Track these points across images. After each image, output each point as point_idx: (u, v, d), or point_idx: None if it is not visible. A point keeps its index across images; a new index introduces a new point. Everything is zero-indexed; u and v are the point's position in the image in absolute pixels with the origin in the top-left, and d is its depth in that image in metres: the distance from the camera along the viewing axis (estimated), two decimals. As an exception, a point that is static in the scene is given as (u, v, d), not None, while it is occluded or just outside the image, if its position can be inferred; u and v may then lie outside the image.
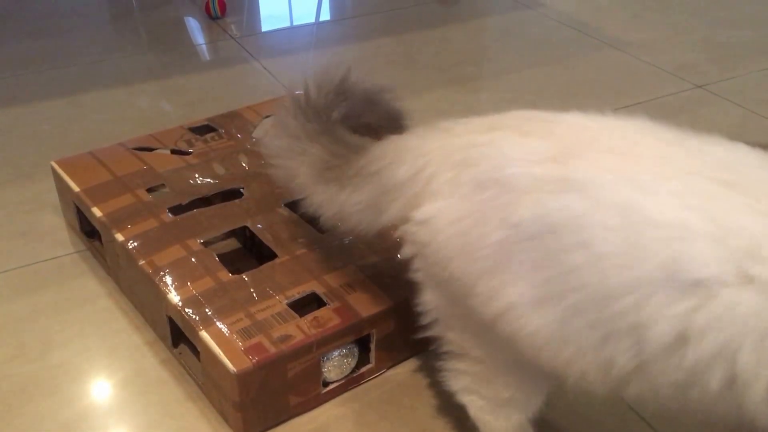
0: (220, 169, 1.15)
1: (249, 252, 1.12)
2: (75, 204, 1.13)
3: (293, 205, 1.08)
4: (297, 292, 0.92)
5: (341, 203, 0.81)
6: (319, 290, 0.93)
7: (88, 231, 1.16)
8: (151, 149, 1.20)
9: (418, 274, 0.75)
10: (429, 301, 0.75)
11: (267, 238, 1.01)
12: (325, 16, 2.12)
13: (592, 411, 0.89)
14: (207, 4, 2.02)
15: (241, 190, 1.11)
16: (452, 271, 0.67)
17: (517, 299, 0.63)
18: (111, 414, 0.91)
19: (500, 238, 0.64)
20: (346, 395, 0.93)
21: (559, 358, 0.63)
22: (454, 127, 0.75)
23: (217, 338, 0.85)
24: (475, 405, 0.79)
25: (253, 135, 1.24)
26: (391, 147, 0.78)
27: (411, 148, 0.75)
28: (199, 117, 1.31)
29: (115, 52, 1.85)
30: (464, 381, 0.78)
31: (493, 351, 0.73)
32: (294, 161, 0.87)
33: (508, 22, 2.03)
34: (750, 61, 1.78)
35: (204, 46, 1.91)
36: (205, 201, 1.10)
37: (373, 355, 0.94)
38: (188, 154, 1.19)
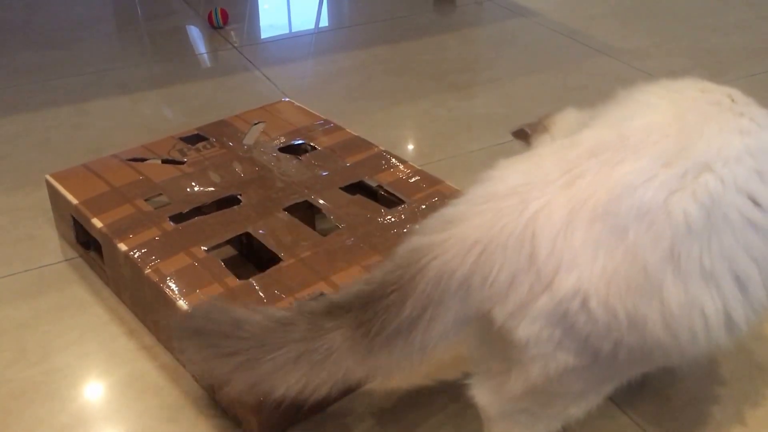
0: (215, 177, 1.13)
1: (246, 258, 1.09)
2: (72, 216, 1.10)
3: (292, 209, 1.05)
4: (306, 294, 0.89)
5: (420, 345, 0.65)
6: (327, 291, 0.90)
7: (84, 242, 1.13)
8: (144, 160, 1.18)
9: (547, 346, 0.64)
10: (565, 366, 0.65)
11: (270, 243, 0.98)
12: (324, 24, 2.10)
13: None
14: (210, 14, 1.99)
15: (239, 196, 1.08)
16: (620, 318, 0.62)
17: (696, 292, 0.63)
18: (109, 418, 0.88)
19: (661, 255, 0.62)
20: (356, 392, 0.90)
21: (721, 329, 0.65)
22: (511, 194, 0.65)
23: None
24: (513, 420, 0.73)
25: (244, 142, 1.22)
26: (458, 251, 0.63)
27: (495, 243, 0.63)
28: (201, 124, 1.28)
29: (119, 62, 1.82)
30: (515, 406, 0.72)
31: (616, 374, 0.70)
32: (325, 367, 0.67)
33: (502, 31, 2.01)
34: (738, 66, 1.76)
35: (206, 55, 1.89)
36: (197, 209, 1.07)
37: None
38: (182, 163, 1.16)
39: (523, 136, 0.99)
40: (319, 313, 0.67)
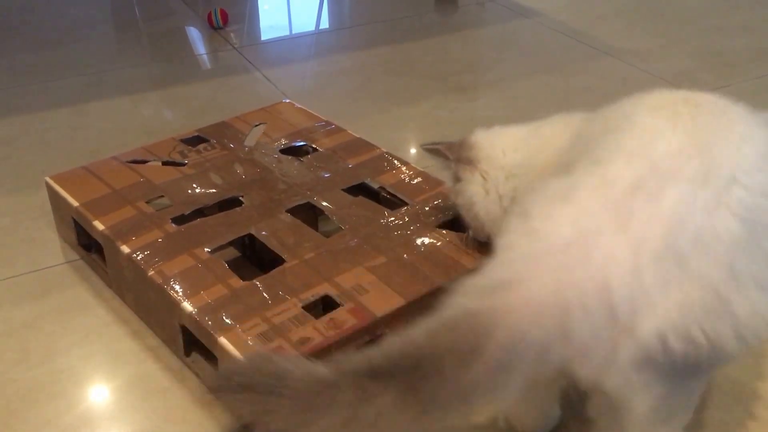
0: (217, 179, 1.15)
1: (248, 260, 1.12)
2: (73, 218, 1.13)
3: (294, 211, 1.08)
4: (310, 295, 0.92)
5: (483, 405, 0.64)
6: (332, 292, 0.93)
7: (85, 244, 1.16)
8: (144, 162, 1.20)
9: (639, 388, 0.66)
10: (662, 394, 0.67)
11: (273, 244, 1.01)
12: (324, 25, 2.13)
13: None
14: (209, 14, 2.02)
15: (240, 198, 1.11)
16: (701, 343, 0.63)
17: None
18: (113, 419, 0.90)
19: (724, 274, 0.63)
20: None
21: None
22: (569, 246, 0.64)
23: (237, 344, 0.85)
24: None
25: (246, 144, 1.25)
26: (531, 314, 0.62)
27: (570, 301, 0.62)
28: (202, 126, 1.31)
29: (118, 63, 1.85)
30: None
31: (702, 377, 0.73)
32: None
33: (505, 31, 2.04)
34: (745, 68, 1.79)
35: (206, 56, 1.92)
36: (199, 211, 1.10)
37: None
38: (183, 165, 1.19)
39: (438, 154, 0.99)
40: (363, 374, 0.65)
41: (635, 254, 0.63)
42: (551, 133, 0.93)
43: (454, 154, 0.97)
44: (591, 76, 1.77)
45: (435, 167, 1.39)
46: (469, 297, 0.65)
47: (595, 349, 0.63)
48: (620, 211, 0.65)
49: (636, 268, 0.63)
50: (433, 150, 1.00)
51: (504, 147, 0.95)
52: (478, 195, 0.95)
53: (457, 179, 0.97)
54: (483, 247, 1.00)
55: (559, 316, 0.62)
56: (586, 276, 0.63)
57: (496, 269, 0.66)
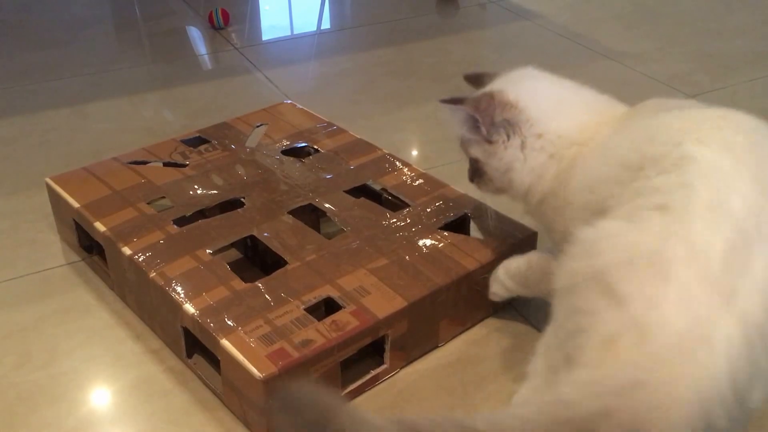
0: (218, 180, 1.14)
1: (250, 262, 1.11)
2: (74, 220, 1.12)
3: (296, 212, 1.07)
4: (312, 297, 0.91)
5: None
6: (334, 294, 0.92)
7: (86, 246, 1.15)
8: (145, 163, 1.19)
9: None
10: None
11: (275, 246, 1.00)
12: (326, 25, 2.12)
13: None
14: (210, 14, 2.01)
15: (242, 199, 1.10)
16: None
17: None
18: (116, 421, 0.89)
19: None
20: (363, 397, 0.92)
21: None
22: (691, 342, 0.63)
23: (239, 346, 0.84)
24: None
25: (247, 144, 1.24)
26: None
27: (710, 400, 0.62)
28: (202, 126, 1.30)
29: (119, 63, 1.84)
30: None
31: None
32: None
33: (505, 33, 2.03)
34: (740, 71, 1.79)
35: (206, 56, 1.91)
36: (200, 213, 1.09)
37: (387, 355, 0.93)
38: (184, 166, 1.18)
39: (462, 112, 0.92)
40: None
41: (745, 331, 0.63)
42: (588, 124, 0.89)
43: (486, 115, 0.89)
44: (590, 78, 1.74)
45: (437, 169, 1.38)
46: (593, 396, 0.63)
47: None
48: (723, 288, 0.64)
49: (749, 347, 0.63)
50: (455, 108, 0.92)
51: (544, 114, 0.90)
52: (518, 161, 0.89)
53: (489, 141, 0.90)
54: (489, 248, 1.00)
55: (700, 410, 0.62)
56: (716, 366, 0.62)
57: (613, 368, 0.64)
